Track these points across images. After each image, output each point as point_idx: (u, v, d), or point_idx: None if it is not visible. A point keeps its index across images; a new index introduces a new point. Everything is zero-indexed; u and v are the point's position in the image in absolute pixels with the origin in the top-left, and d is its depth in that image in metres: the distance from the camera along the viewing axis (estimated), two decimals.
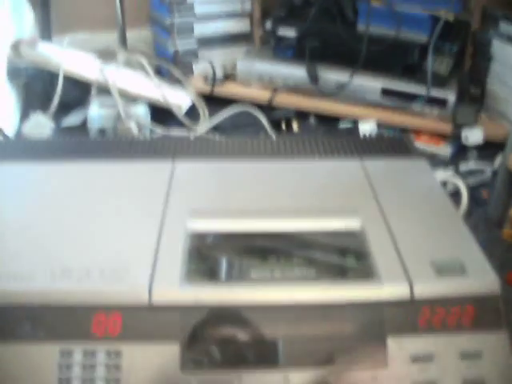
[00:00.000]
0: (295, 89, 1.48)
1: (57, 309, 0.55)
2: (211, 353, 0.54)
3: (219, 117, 1.36)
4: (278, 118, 1.38)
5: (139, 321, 0.54)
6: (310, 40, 1.46)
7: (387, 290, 0.56)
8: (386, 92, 1.42)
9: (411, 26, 1.39)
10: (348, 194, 0.72)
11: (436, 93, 1.37)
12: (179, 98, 1.41)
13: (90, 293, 0.55)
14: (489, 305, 0.57)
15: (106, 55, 1.46)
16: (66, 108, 1.38)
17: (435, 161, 1.24)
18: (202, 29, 1.67)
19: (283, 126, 1.38)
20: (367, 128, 1.33)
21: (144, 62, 1.46)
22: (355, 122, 1.38)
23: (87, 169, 0.77)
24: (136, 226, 0.65)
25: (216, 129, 1.35)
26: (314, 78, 1.45)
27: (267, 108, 1.42)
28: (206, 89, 1.54)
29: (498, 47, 1.38)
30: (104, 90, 1.34)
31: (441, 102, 1.37)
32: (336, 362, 0.54)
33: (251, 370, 0.54)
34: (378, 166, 0.79)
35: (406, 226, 0.65)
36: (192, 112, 1.41)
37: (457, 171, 1.19)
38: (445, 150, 1.30)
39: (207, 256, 0.62)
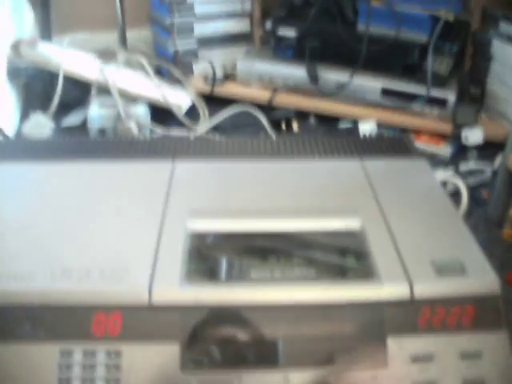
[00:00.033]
0: (295, 89, 1.48)
1: (57, 309, 0.55)
2: (211, 353, 0.54)
3: (219, 117, 1.36)
4: (278, 117, 1.38)
5: (139, 321, 0.54)
6: (310, 40, 1.46)
7: (387, 289, 0.56)
8: (386, 92, 1.42)
9: (411, 26, 1.39)
10: (348, 194, 0.72)
11: (436, 93, 1.37)
12: (179, 98, 1.41)
13: (90, 293, 0.55)
14: (489, 305, 0.57)
15: (106, 55, 1.46)
16: (65, 108, 1.38)
17: (435, 161, 1.24)
18: (202, 29, 1.67)
19: (283, 126, 1.38)
20: (367, 128, 1.33)
21: (144, 61, 1.46)
22: (355, 122, 1.38)
23: (87, 169, 0.77)
24: (136, 226, 0.65)
25: (216, 129, 1.35)
26: (313, 77, 1.45)
27: (267, 108, 1.42)
28: (206, 89, 1.54)
29: (498, 47, 1.38)
30: (104, 90, 1.34)
31: (441, 102, 1.37)
32: (336, 363, 0.54)
33: (251, 370, 0.54)
34: (378, 166, 0.79)
35: (405, 225, 0.65)
36: (192, 112, 1.41)
37: (457, 171, 1.19)
38: (445, 150, 1.30)
39: (207, 256, 0.62)
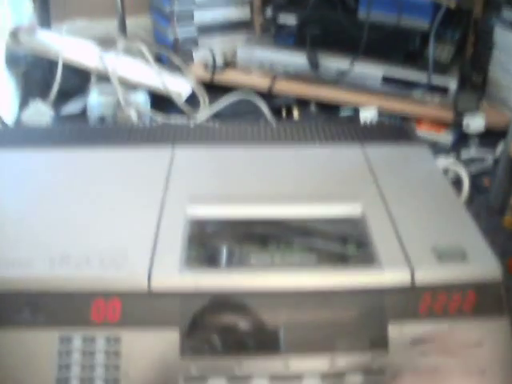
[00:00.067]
0: (296, 76, 1.48)
1: (56, 295, 0.55)
2: (211, 339, 0.54)
3: (219, 104, 1.35)
4: (279, 105, 1.37)
5: (138, 307, 0.54)
6: (310, 27, 1.45)
7: (388, 276, 0.56)
8: (387, 79, 1.41)
9: (412, 12, 1.38)
10: (349, 180, 0.72)
11: (437, 80, 1.36)
12: (179, 86, 1.41)
13: (89, 279, 0.55)
14: (490, 291, 0.57)
15: (106, 43, 1.45)
16: (65, 96, 1.37)
17: (436, 148, 1.23)
18: (202, 16, 1.66)
19: (284, 114, 1.37)
20: (368, 115, 1.32)
21: (144, 49, 1.45)
22: (356, 110, 1.37)
23: (87, 156, 0.77)
24: (135, 213, 0.64)
25: (216, 116, 1.34)
26: (314, 65, 1.45)
27: (268, 95, 1.41)
28: (206, 76, 1.53)
29: (501, 34, 1.37)
30: (104, 78, 1.34)
31: (442, 90, 1.36)
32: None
33: (251, 357, 0.54)
34: (379, 153, 0.78)
35: (407, 212, 0.65)
36: (192, 100, 1.40)
37: (458, 159, 1.19)
38: (446, 137, 1.29)
39: (207, 242, 0.62)
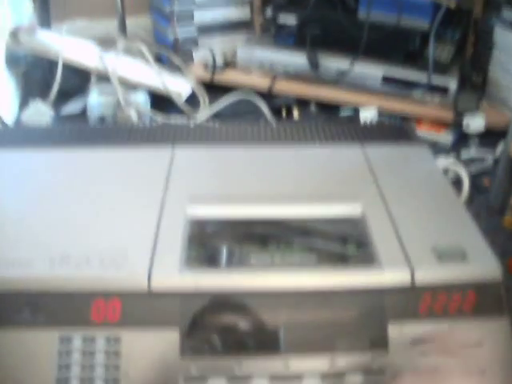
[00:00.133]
0: (296, 76, 1.47)
1: (56, 295, 0.54)
2: (211, 339, 0.54)
3: (219, 104, 1.35)
4: (279, 105, 1.37)
5: (138, 307, 0.54)
6: (310, 27, 1.45)
7: (388, 276, 0.56)
8: (386, 79, 1.41)
9: (412, 12, 1.38)
10: (349, 180, 0.72)
11: (437, 80, 1.36)
12: (179, 86, 1.41)
13: (89, 279, 0.55)
14: (490, 291, 0.57)
15: (106, 43, 1.45)
16: (65, 96, 1.37)
17: (436, 148, 1.23)
18: (202, 16, 1.66)
19: (284, 114, 1.37)
20: (368, 116, 1.32)
21: (144, 49, 1.45)
22: (356, 110, 1.37)
23: (87, 156, 0.77)
24: (135, 213, 0.64)
25: (216, 116, 1.34)
26: (314, 65, 1.44)
27: (268, 96, 1.41)
28: (206, 76, 1.53)
29: (501, 34, 1.37)
30: (104, 78, 1.33)
31: (442, 90, 1.36)
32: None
33: (251, 356, 0.54)
34: (379, 153, 0.78)
35: (407, 212, 0.65)
36: (192, 100, 1.40)
37: (458, 159, 1.19)
38: (446, 137, 1.29)
39: (207, 242, 0.62)
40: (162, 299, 0.54)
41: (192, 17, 1.65)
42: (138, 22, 1.77)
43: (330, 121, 1.36)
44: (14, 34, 1.33)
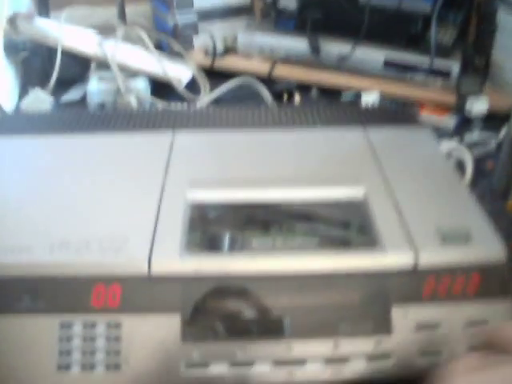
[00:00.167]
0: (297, 61, 1.46)
1: (56, 281, 0.54)
2: (213, 324, 0.53)
3: (220, 90, 1.34)
4: (280, 90, 1.36)
5: (139, 292, 0.54)
6: (311, 11, 1.44)
7: (392, 258, 0.55)
8: (388, 63, 1.40)
9: None
10: (351, 163, 0.71)
11: (440, 63, 1.35)
12: (179, 72, 1.40)
13: (89, 265, 0.55)
14: (495, 273, 0.56)
15: (105, 30, 1.43)
16: (65, 84, 1.36)
17: (439, 132, 1.22)
18: (202, 2, 1.64)
19: (285, 99, 1.36)
20: (370, 100, 1.31)
21: (144, 36, 1.43)
22: (358, 96, 1.36)
23: (86, 141, 0.76)
24: (135, 197, 0.64)
25: (217, 102, 1.33)
26: (315, 49, 1.43)
27: (269, 81, 1.40)
28: (207, 62, 1.51)
29: (504, 17, 1.36)
30: (103, 65, 1.32)
31: (444, 73, 1.35)
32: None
33: (254, 341, 0.53)
34: (382, 135, 0.77)
35: (410, 194, 0.64)
36: (193, 86, 1.39)
37: (461, 143, 1.18)
38: (448, 121, 1.28)
39: (208, 227, 0.62)
40: (163, 284, 0.54)
41: (192, 3, 1.63)
42: (138, 9, 1.76)
43: (332, 105, 1.35)
44: (13, 21, 1.32)
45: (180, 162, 0.70)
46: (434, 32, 1.33)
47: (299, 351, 0.54)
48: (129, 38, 1.44)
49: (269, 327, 0.54)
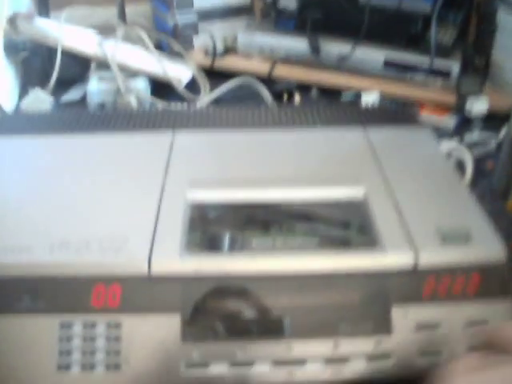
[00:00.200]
0: (297, 61, 1.46)
1: (56, 281, 0.54)
2: (213, 324, 0.53)
3: (220, 90, 1.34)
4: (280, 90, 1.36)
5: (139, 292, 0.54)
6: (311, 11, 1.44)
7: (392, 258, 0.55)
8: (388, 63, 1.40)
9: None
10: (351, 162, 0.71)
11: (439, 63, 1.35)
12: (179, 72, 1.40)
13: (89, 264, 0.55)
14: (495, 273, 0.56)
15: (105, 30, 1.43)
16: (65, 84, 1.36)
17: (439, 132, 1.22)
18: (202, 2, 1.64)
19: (285, 99, 1.36)
20: (370, 100, 1.31)
21: (144, 36, 1.43)
22: (358, 96, 1.36)
23: (86, 141, 0.76)
24: (135, 197, 0.64)
25: (217, 102, 1.33)
26: (315, 49, 1.43)
27: (269, 81, 1.40)
28: (207, 62, 1.51)
29: (504, 17, 1.35)
30: (103, 65, 1.32)
31: (444, 73, 1.35)
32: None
33: (254, 341, 0.53)
34: (382, 136, 0.77)
35: (410, 194, 0.64)
36: (193, 86, 1.39)
37: (461, 143, 1.18)
38: (448, 121, 1.28)
39: (208, 226, 0.61)
40: (163, 284, 0.54)
41: (192, 3, 1.63)
42: (138, 9, 1.76)
43: (332, 105, 1.35)
44: (12, 21, 1.32)
45: (180, 162, 0.70)
46: (433, 32, 1.33)
47: (299, 351, 0.54)
48: (129, 38, 1.44)
49: (269, 327, 0.54)
